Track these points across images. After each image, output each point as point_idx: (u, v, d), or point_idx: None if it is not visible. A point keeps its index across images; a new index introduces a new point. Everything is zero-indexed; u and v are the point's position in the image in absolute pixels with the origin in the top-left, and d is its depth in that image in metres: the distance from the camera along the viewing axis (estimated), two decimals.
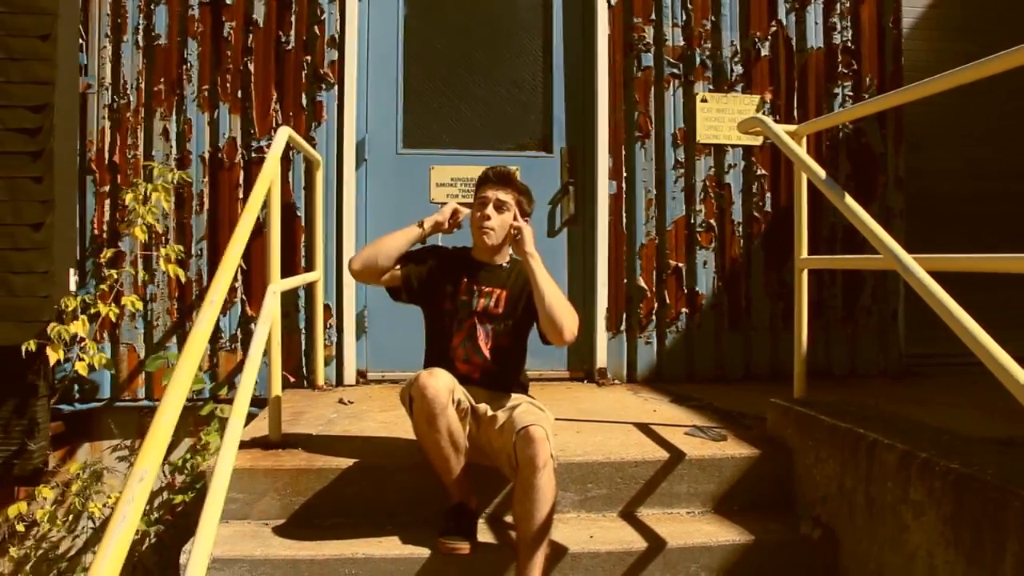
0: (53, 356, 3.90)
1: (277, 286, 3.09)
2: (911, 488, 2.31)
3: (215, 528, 1.92)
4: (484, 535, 2.73)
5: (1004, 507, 1.94)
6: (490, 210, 2.95)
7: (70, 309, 4.02)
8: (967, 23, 5.42)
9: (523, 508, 2.46)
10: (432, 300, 3.02)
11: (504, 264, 3.06)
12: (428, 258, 3.06)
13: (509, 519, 2.81)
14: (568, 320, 2.80)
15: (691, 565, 2.65)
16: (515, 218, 2.96)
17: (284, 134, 3.28)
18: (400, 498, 2.87)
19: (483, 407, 2.80)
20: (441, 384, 2.60)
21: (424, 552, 2.58)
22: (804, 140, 3.28)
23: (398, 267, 2.98)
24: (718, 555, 2.67)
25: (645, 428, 3.38)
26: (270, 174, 2.96)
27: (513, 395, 2.93)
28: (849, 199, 2.65)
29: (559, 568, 2.59)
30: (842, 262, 4.60)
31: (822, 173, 2.84)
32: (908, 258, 2.28)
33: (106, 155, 4.45)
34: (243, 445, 3.05)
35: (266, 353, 3.81)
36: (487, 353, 2.94)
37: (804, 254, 3.27)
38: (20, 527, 4.25)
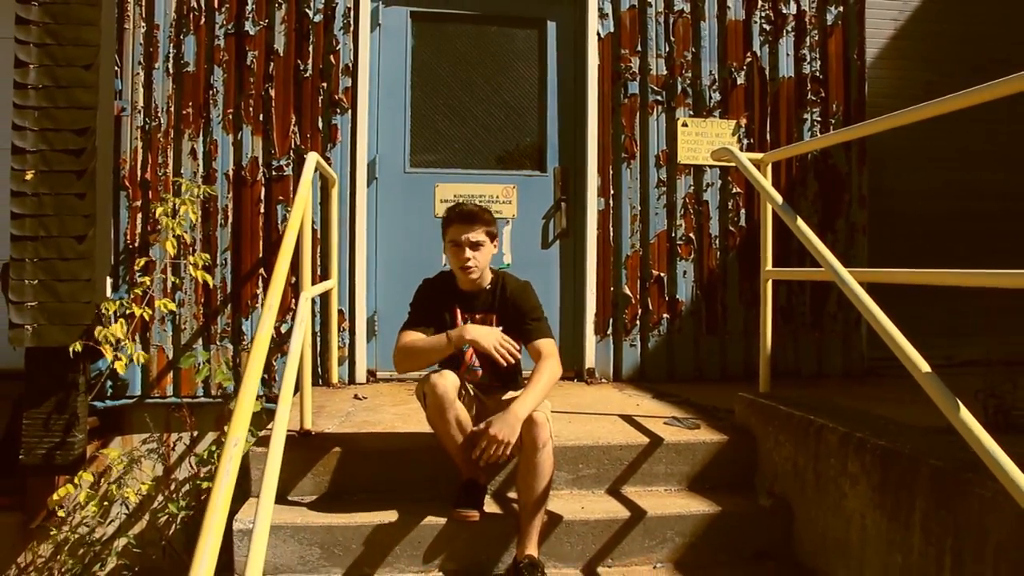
0: (109, 354, 4.28)
1: (309, 293, 3.50)
2: (848, 463, 2.78)
3: (273, 496, 2.32)
4: (490, 507, 3.17)
5: (915, 473, 2.41)
6: (467, 252, 3.16)
7: (110, 313, 4.43)
8: (928, 54, 5.85)
9: (525, 481, 2.90)
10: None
11: (487, 286, 3.30)
12: (431, 314, 3.26)
13: (511, 495, 3.26)
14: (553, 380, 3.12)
15: (667, 531, 3.11)
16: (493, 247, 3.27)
17: (313, 159, 3.70)
18: (417, 477, 3.31)
19: (489, 399, 3.24)
20: (449, 383, 3.03)
21: (440, 520, 3.03)
22: (768, 166, 3.74)
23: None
24: (690, 523, 3.13)
25: (629, 419, 3.83)
26: (304, 195, 3.37)
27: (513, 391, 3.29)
28: (800, 221, 3.11)
29: (555, 534, 3.05)
30: (798, 274, 5.02)
31: (779, 199, 3.30)
32: (844, 271, 2.74)
33: (138, 173, 4.86)
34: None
35: (288, 352, 4.27)
36: (488, 372, 3.29)
37: (769, 266, 3.74)
38: (61, 513, 4.65)
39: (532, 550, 2.92)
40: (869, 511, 2.66)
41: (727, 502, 3.27)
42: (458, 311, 3.26)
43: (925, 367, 2.24)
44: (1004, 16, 5.90)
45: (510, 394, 3.24)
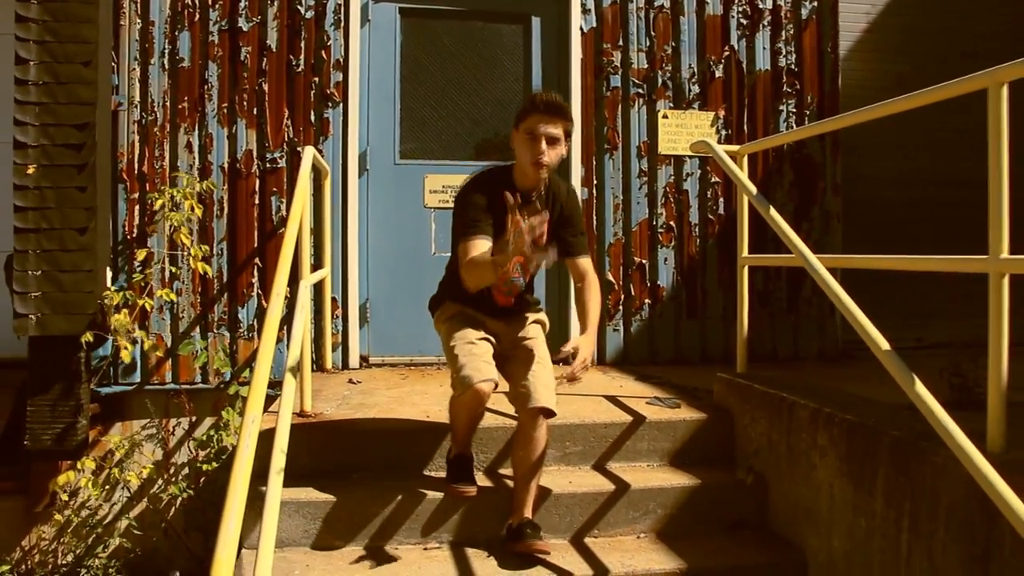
0: (121, 341, 4.45)
1: (307, 281, 3.68)
2: (818, 436, 2.99)
3: (282, 467, 2.49)
4: (483, 481, 3.36)
5: (877, 443, 2.62)
6: (543, 146, 2.95)
7: (114, 303, 4.57)
8: (900, 46, 6.05)
9: (524, 452, 3.06)
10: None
11: (542, 189, 3.15)
12: (486, 210, 3.05)
13: (502, 471, 3.45)
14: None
15: (650, 503, 3.32)
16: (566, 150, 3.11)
17: (310, 153, 3.87)
18: (413, 456, 3.50)
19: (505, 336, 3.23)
20: (486, 393, 2.97)
21: (437, 495, 3.22)
22: (744, 158, 3.94)
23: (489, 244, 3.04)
24: (671, 495, 3.34)
25: (613, 399, 4.03)
26: (303, 189, 3.53)
27: (528, 316, 3.28)
28: (773, 211, 3.31)
29: (545, 506, 3.24)
30: (772, 260, 5.13)
31: (753, 190, 3.50)
32: (812, 257, 2.95)
33: (136, 166, 4.98)
34: (274, 415, 3.64)
35: (283, 339, 4.45)
36: (526, 279, 3.20)
37: (745, 253, 3.94)
38: (64, 496, 4.80)
39: (529, 514, 3.09)
40: (837, 480, 2.87)
41: (706, 476, 3.48)
42: (509, 219, 2.89)
43: (885, 345, 2.45)
44: (971, 11, 6.09)
45: (531, 316, 3.30)
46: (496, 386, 2.99)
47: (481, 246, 2.98)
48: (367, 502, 3.21)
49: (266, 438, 3.31)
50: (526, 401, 3.01)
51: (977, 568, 2.19)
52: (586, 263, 3.27)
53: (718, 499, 3.41)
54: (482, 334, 3.14)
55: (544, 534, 3.09)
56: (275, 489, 2.38)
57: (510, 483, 3.25)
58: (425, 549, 3.19)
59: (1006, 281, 2.24)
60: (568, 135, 3.07)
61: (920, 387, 2.27)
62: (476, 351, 3.02)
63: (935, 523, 2.36)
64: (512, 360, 3.18)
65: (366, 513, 3.20)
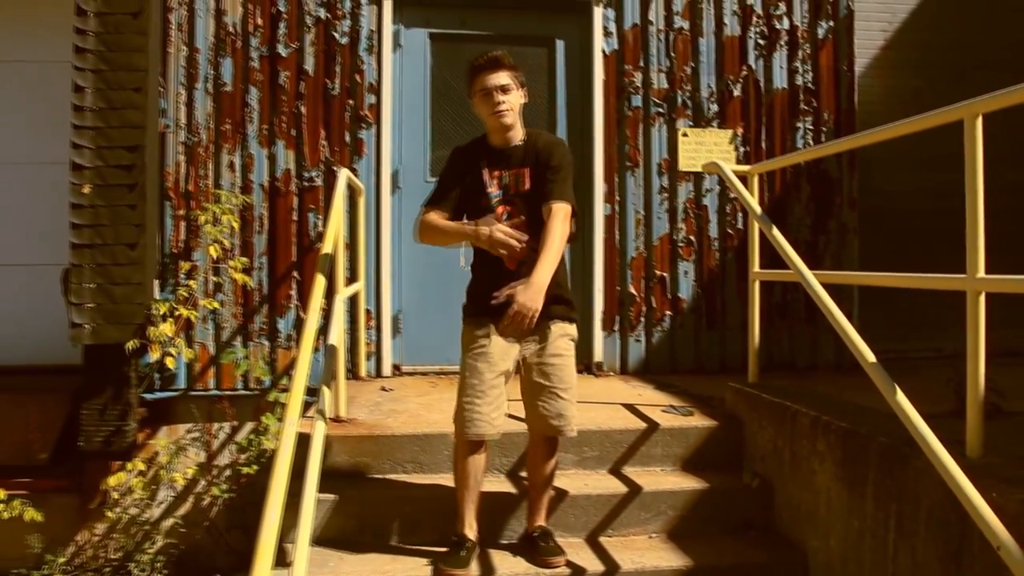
0: (155, 353, 4.73)
1: (342, 295, 3.92)
2: (817, 442, 3.19)
3: (318, 467, 2.72)
4: (501, 485, 3.59)
5: (867, 449, 2.82)
6: (497, 96, 3.10)
7: (160, 313, 4.87)
8: (917, 62, 6.20)
9: (538, 469, 3.29)
10: (469, 202, 3.22)
11: (519, 142, 3.21)
12: (458, 178, 3.23)
13: (523, 474, 3.67)
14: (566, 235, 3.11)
15: (661, 505, 3.53)
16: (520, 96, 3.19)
17: (344, 175, 4.13)
18: (441, 457, 3.74)
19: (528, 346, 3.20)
20: (482, 465, 3.18)
21: None
22: (755, 177, 4.14)
23: (447, 213, 3.23)
24: (682, 498, 3.55)
25: (630, 407, 4.25)
26: (338, 208, 3.79)
27: (553, 327, 3.19)
28: (775, 230, 3.50)
29: (562, 507, 3.47)
30: (779, 275, 5.23)
31: (758, 209, 3.70)
32: (808, 272, 3.17)
33: (181, 184, 5.28)
34: (310, 421, 3.90)
35: (320, 349, 4.70)
36: (526, 229, 3.13)
37: (756, 268, 4.13)
38: (115, 495, 5.10)
39: (542, 521, 3.34)
40: (833, 484, 3.07)
41: (716, 480, 3.68)
42: (485, 172, 3.19)
43: (871, 358, 2.65)
44: (987, 24, 6.22)
45: (559, 327, 3.24)
46: (483, 445, 3.16)
47: (435, 219, 3.21)
48: (397, 502, 3.47)
49: (304, 441, 3.60)
50: (540, 427, 3.22)
51: (951, 564, 2.38)
52: (556, 206, 3.08)
53: (726, 502, 3.62)
54: (496, 370, 3.11)
55: (561, 533, 3.34)
56: (311, 487, 2.60)
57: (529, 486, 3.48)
58: None
59: (982, 299, 2.43)
60: (520, 83, 3.20)
61: (901, 396, 2.46)
62: (479, 400, 3.08)
63: (917, 523, 2.55)
64: (532, 379, 3.21)
65: (396, 512, 3.45)
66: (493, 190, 3.17)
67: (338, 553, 3.31)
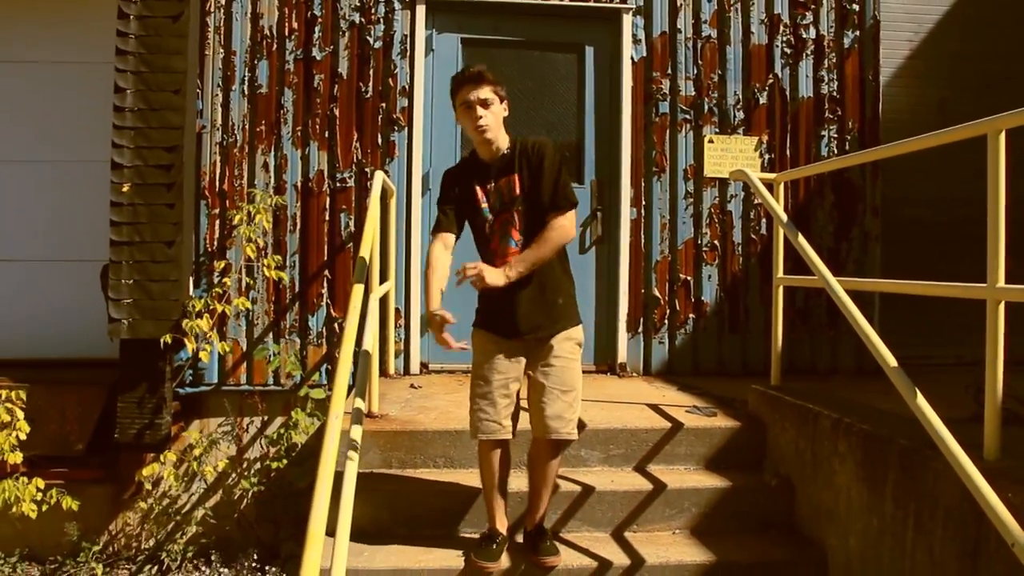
0: (190, 347, 4.85)
1: (376, 294, 4.03)
2: (839, 444, 3.27)
3: (357, 462, 2.83)
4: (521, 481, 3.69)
5: (888, 450, 2.90)
6: (479, 111, 3.19)
7: (196, 309, 5.00)
8: (943, 72, 6.22)
9: (539, 470, 3.36)
10: (467, 219, 3.34)
11: (505, 151, 3.28)
12: (453, 198, 3.32)
13: None
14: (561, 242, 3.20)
15: (685, 503, 3.63)
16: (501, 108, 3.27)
17: (379, 178, 4.25)
18: (467, 453, 3.85)
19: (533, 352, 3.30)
20: (491, 444, 3.30)
21: None
22: (781, 185, 4.22)
23: (452, 234, 3.31)
24: (705, 496, 3.64)
25: (655, 407, 4.34)
26: (375, 212, 3.90)
27: (554, 339, 3.27)
28: (801, 237, 3.59)
29: (589, 502, 3.58)
30: (802, 281, 5.32)
31: (783, 217, 3.79)
32: (833, 280, 3.24)
33: (216, 184, 5.42)
34: (346, 416, 4.02)
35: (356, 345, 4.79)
36: (520, 237, 3.23)
37: (780, 273, 4.22)
38: (148, 485, 5.25)
39: (540, 519, 3.44)
40: (854, 484, 3.15)
41: (738, 479, 3.78)
42: (478, 188, 3.27)
43: (893, 362, 2.73)
44: (1014, 34, 6.26)
45: (563, 333, 3.30)
46: (499, 444, 3.30)
47: (435, 247, 3.26)
48: (428, 495, 3.59)
49: (341, 435, 3.71)
50: (542, 430, 3.29)
51: (968, 562, 2.47)
52: (554, 221, 3.17)
53: (749, 501, 3.71)
54: (503, 377, 3.24)
55: (588, 527, 3.46)
56: (350, 478, 2.71)
57: (557, 482, 3.57)
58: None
59: (1002, 307, 2.51)
60: (501, 97, 3.28)
61: (921, 400, 2.55)
62: (487, 405, 3.25)
63: (935, 522, 2.63)
64: (535, 379, 3.31)
65: (427, 505, 3.57)
66: (485, 205, 3.27)
67: (372, 545, 3.42)
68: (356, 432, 2.86)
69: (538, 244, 3.14)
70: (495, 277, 3.07)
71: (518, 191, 3.23)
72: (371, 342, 3.54)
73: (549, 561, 3.29)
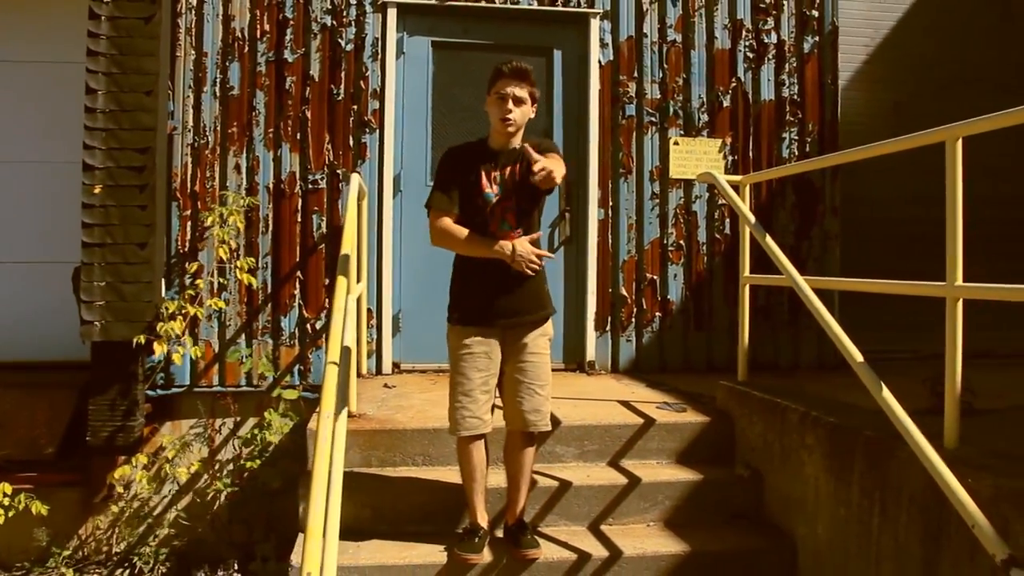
0: (162, 350, 4.85)
1: (354, 294, 4.08)
2: (806, 436, 3.42)
3: (342, 459, 2.88)
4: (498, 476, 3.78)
5: (854, 441, 3.05)
6: (510, 105, 3.30)
7: (170, 311, 5.00)
8: (898, 76, 6.44)
9: (515, 464, 3.45)
10: (464, 200, 3.38)
11: (516, 147, 3.40)
12: (457, 180, 3.38)
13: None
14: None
15: (658, 496, 3.75)
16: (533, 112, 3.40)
17: (356, 180, 4.31)
18: (446, 451, 3.92)
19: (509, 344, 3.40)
20: (482, 455, 3.42)
21: None
22: (747, 187, 4.36)
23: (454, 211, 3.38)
24: (678, 488, 3.77)
25: (626, 404, 4.46)
26: (353, 212, 3.96)
27: (529, 336, 3.39)
28: (769, 239, 3.73)
29: (566, 497, 3.69)
30: (768, 280, 5.46)
31: (752, 219, 3.92)
32: (798, 277, 3.38)
33: (188, 185, 5.42)
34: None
35: (321, 346, 4.86)
36: (516, 223, 3.38)
37: (746, 272, 4.36)
38: (120, 488, 5.22)
39: (519, 513, 3.54)
40: (821, 474, 3.30)
41: (709, 472, 3.91)
42: (483, 172, 3.37)
43: (859, 357, 2.87)
44: (967, 41, 6.50)
45: (539, 328, 3.43)
46: (479, 439, 3.39)
47: (443, 220, 3.36)
48: (409, 492, 3.66)
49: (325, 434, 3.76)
50: (520, 424, 3.40)
51: (931, 544, 2.62)
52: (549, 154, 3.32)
53: (719, 493, 3.84)
54: (483, 375, 3.35)
55: (565, 521, 3.56)
56: (337, 476, 2.77)
57: (535, 477, 3.69)
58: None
59: (960, 304, 2.66)
60: (534, 99, 3.42)
61: (887, 393, 2.69)
62: (468, 401, 3.34)
63: (899, 509, 2.78)
64: (511, 375, 3.41)
65: (409, 502, 3.64)
66: (490, 189, 3.35)
67: (355, 542, 3.48)
68: (341, 430, 2.91)
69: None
70: (560, 170, 3.17)
71: (519, 176, 3.34)
72: (352, 341, 3.60)
73: (531, 554, 3.39)
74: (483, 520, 3.46)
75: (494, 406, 3.46)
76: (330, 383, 2.76)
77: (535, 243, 3.36)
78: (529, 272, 3.30)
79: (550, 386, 3.46)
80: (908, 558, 2.74)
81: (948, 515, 2.49)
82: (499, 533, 3.61)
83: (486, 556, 3.36)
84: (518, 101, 3.32)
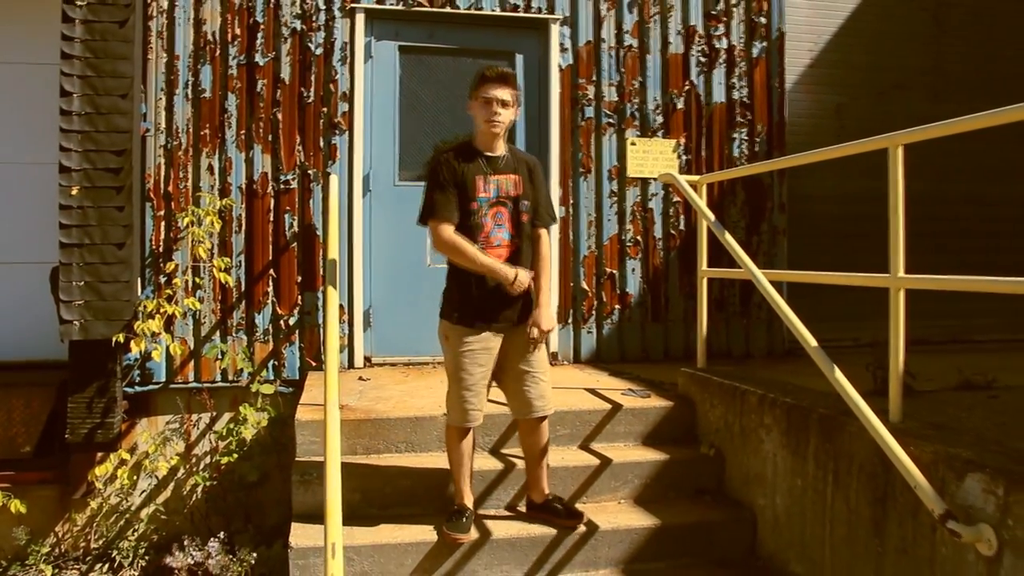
0: (139, 348, 4.98)
1: (337, 293, 4.27)
2: (764, 416, 3.72)
3: (338, 450, 3.08)
4: (489, 460, 4.02)
5: (809, 419, 3.36)
6: (496, 108, 3.47)
7: (148, 310, 5.13)
8: (839, 80, 6.81)
9: (533, 445, 3.73)
10: (460, 202, 3.52)
11: (503, 153, 3.59)
12: (455, 183, 3.50)
13: (504, 450, 4.13)
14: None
15: (628, 475, 4.03)
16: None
17: (335, 180, 4.50)
18: (429, 438, 4.16)
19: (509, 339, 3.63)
20: (471, 443, 3.70)
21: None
22: (704, 186, 4.66)
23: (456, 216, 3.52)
24: (646, 468, 4.06)
25: (593, 391, 4.74)
26: (334, 212, 4.18)
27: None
28: (727, 235, 4.03)
29: None
30: (726, 273, 5.69)
31: (711, 216, 4.22)
32: (758, 272, 3.68)
33: (162, 186, 5.54)
34: (309, 407, 4.29)
35: (295, 342, 5.04)
36: (512, 231, 3.57)
37: (704, 266, 4.66)
38: (99, 485, 5.32)
39: (548, 488, 3.82)
40: (779, 451, 3.61)
41: (674, 452, 4.20)
42: (479, 176, 3.53)
43: (814, 343, 3.18)
44: (903, 49, 6.89)
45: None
46: (472, 428, 3.65)
47: (448, 229, 3.50)
48: (395, 477, 3.89)
49: (310, 427, 3.97)
50: (526, 410, 3.67)
51: (879, 506, 2.94)
52: (543, 233, 3.67)
53: (684, 471, 4.14)
54: (483, 370, 3.58)
55: None
56: (335, 463, 2.96)
57: (514, 461, 3.97)
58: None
59: (902, 295, 2.98)
60: (517, 102, 3.61)
61: (839, 375, 3.00)
62: (472, 396, 3.57)
63: (850, 477, 3.10)
64: (515, 367, 3.65)
65: (395, 487, 3.86)
66: (483, 194, 3.52)
67: (348, 526, 3.64)
68: (334, 421, 3.10)
69: (543, 265, 3.65)
70: (551, 319, 3.64)
71: (516, 192, 3.58)
72: (334, 335, 3.79)
73: (578, 523, 3.69)
74: (469, 501, 3.71)
75: None
76: (332, 375, 2.96)
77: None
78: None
79: (549, 373, 3.74)
80: (859, 520, 3.06)
81: (893, 479, 2.81)
82: (522, 508, 3.91)
83: (473, 534, 3.60)
84: (503, 104, 3.51)
